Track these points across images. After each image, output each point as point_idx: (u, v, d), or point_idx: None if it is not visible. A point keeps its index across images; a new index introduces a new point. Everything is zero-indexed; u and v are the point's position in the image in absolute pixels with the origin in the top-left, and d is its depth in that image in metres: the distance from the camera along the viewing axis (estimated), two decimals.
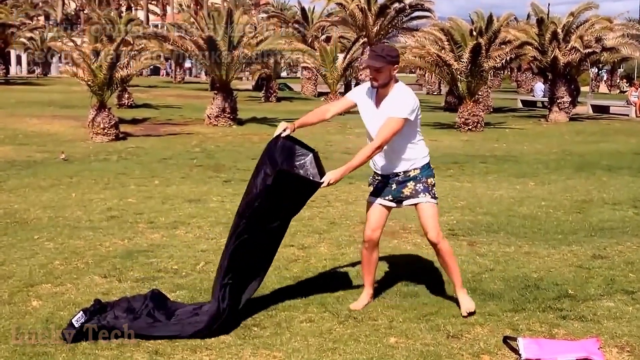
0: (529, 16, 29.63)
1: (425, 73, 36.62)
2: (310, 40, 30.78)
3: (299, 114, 25.53)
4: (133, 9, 58.62)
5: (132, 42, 19.88)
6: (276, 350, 3.98)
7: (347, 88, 30.17)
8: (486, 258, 5.91)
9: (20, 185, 9.36)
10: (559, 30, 21.66)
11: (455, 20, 20.08)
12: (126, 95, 22.86)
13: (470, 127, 18.14)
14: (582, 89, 27.11)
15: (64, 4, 57.04)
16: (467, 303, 4.59)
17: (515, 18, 30.78)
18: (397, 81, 4.51)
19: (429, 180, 4.56)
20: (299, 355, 3.91)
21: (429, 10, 27.83)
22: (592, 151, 14.16)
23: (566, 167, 11.72)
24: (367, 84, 4.59)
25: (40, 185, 9.32)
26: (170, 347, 3.98)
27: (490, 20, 20.58)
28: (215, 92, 19.12)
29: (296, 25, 33.56)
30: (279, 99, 28.54)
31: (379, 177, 4.65)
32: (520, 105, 29.78)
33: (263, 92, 28.98)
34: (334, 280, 5.26)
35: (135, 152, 13.13)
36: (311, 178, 4.35)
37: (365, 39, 26.03)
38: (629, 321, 4.46)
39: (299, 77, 42.21)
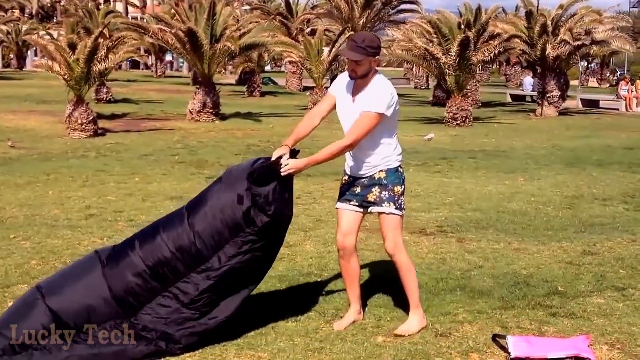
0: (517, 8, 29.43)
1: (413, 67, 36.57)
2: (294, 33, 30.39)
3: (283, 108, 25.36)
4: (111, 0, 57.94)
5: (110, 35, 19.45)
6: (261, 350, 3.92)
7: (333, 82, 29.88)
8: (475, 255, 5.86)
9: None
10: (549, 23, 21.52)
11: (443, 12, 19.85)
12: (104, 90, 22.49)
13: (458, 121, 17.98)
14: (572, 82, 27.00)
15: None
16: (409, 325, 4.22)
17: (503, 10, 30.65)
18: (376, 72, 4.18)
19: (396, 189, 4.17)
20: (284, 356, 3.86)
21: (416, 2, 27.58)
22: (582, 146, 14.13)
23: (556, 162, 11.68)
24: (346, 74, 4.26)
25: (16, 183, 9.16)
26: None
27: (478, 12, 20.35)
28: (197, 86, 18.92)
29: (280, 18, 33.09)
30: (263, 94, 28.35)
31: (346, 178, 4.30)
32: (509, 99, 29.74)
33: (246, 86, 28.69)
34: (320, 279, 5.20)
35: (115, 148, 12.97)
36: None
37: (352, 32, 25.69)
38: (619, 318, 4.44)
39: (283, 71, 41.91)
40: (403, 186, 4.22)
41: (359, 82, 4.15)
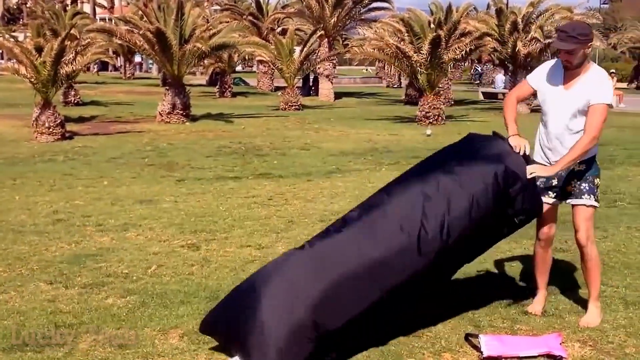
0: (488, 6, 29.61)
1: (385, 65, 36.59)
2: (265, 33, 30.22)
3: (255, 109, 25.00)
4: (79, 1, 57.15)
5: (78, 37, 19.15)
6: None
7: (305, 82, 29.74)
8: None
9: None
10: (519, 21, 21.67)
11: (414, 11, 19.91)
12: (72, 92, 22.22)
13: (431, 120, 17.96)
14: None
15: None
16: (591, 317, 4.33)
17: (474, 8, 30.80)
18: (589, 61, 4.26)
19: (596, 180, 4.29)
20: None
21: (387, 0, 27.52)
22: None
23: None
24: (548, 64, 4.38)
25: None
26: (120, 356, 3.88)
27: (449, 11, 20.42)
28: (167, 87, 18.68)
29: (251, 18, 32.88)
30: (234, 94, 28.19)
31: None
32: (481, 97, 29.80)
33: (217, 87, 28.49)
34: None
35: (83, 151, 12.76)
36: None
37: (322, 32, 25.62)
38: None
39: (254, 71, 41.70)
40: (600, 178, 4.34)
41: (571, 71, 4.19)
